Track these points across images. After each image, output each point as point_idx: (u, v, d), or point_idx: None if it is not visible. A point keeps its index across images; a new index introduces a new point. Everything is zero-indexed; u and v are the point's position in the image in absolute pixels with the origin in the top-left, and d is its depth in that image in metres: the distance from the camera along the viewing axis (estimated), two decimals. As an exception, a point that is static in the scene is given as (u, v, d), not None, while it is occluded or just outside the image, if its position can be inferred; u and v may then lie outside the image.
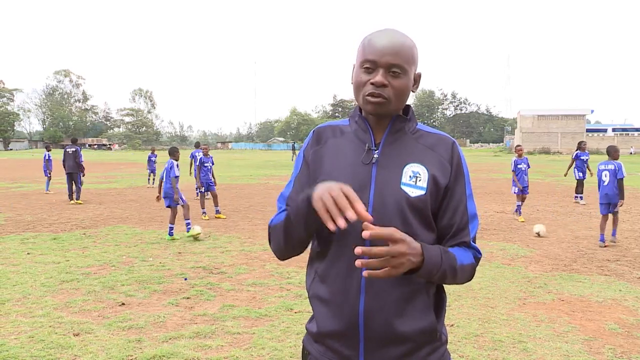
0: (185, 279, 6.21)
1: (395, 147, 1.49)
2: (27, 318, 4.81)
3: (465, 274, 1.47)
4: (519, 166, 11.31)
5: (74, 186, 14.28)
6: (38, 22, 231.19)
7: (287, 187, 1.58)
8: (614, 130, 78.28)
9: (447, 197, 1.49)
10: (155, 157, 19.90)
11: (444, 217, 1.50)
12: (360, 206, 1.23)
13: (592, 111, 76.82)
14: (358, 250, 1.23)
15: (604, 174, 8.29)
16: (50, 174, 16.87)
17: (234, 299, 5.45)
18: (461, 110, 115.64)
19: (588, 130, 74.35)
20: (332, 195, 1.24)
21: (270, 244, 1.55)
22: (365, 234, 1.22)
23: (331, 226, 1.22)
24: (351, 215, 1.20)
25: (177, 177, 8.93)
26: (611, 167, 8.23)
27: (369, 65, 1.43)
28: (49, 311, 4.99)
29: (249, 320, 4.80)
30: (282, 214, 1.49)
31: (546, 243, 8.58)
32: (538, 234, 9.20)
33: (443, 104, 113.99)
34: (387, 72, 1.41)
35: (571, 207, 13.49)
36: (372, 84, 1.42)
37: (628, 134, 72.79)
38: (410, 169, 1.46)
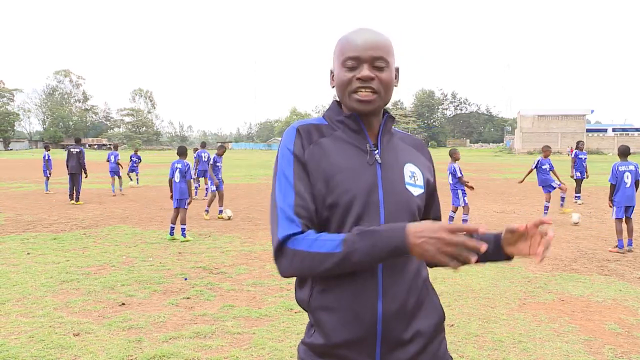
0: (186, 279, 6.21)
1: (390, 148, 1.51)
2: (27, 318, 4.80)
3: None
4: (543, 167, 11.48)
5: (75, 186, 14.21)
6: (38, 23, 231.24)
7: (286, 196, 1.39)
8: (614, 130, 78.25)
9: (431, 193, 1.59)
10: (139, 158, 19.73)
11: (431, 211, 1.62)
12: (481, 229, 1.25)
13: (592, 111, 76.86)
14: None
15: (625, 175, 7.88)
16: (49, 174, 16.80)
17: (234, 299, 5.45)
18: (461, 110, 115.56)
19: (588, 131, 74.31)
20: (454, 242, 1.20)
21: (284, 263, 1.36)
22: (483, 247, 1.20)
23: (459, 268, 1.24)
24: (484, 248, 1.20)
25: (192, 179, 9.06)
26: (632, 167, 7.90)
27: (351, 62, 1.41)
28: (49, 311, 4.99)
29: (249, 320, 4.80)
30: (321, 242, 1.31)
31: (546, 243, 8.57)
32: (576, 224, 10.10)
33: (443, 104, 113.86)
34: (372, 67, 1.41)
35: (571, 207, 13.48)
36: (358, 79, 1.40)
37: (628, 134, 72.79)
38: (409, 168, 1.49)
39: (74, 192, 14.16)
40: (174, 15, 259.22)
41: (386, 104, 1.48)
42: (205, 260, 7.26)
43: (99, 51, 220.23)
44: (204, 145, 15.83)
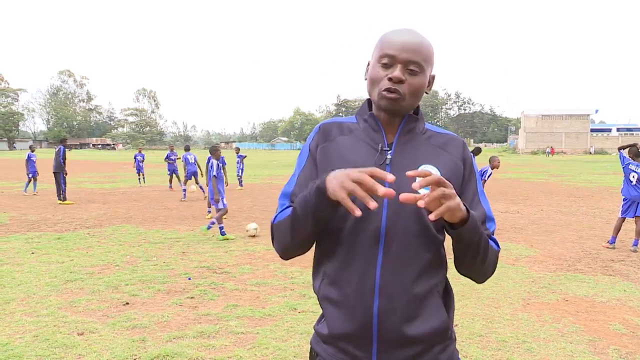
0: (189, 279, 6.22)
1: (408, 148, 1.47)
2: (32, 317, 4.82)
3: (492, 259, 1.46)
4: None
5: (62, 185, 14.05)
6: (42, 23, 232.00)
7: (290, 183, 1.53)
8: (618, 130, 77.98)
9: (462, 196, 1.47)
10: (142, 157, 20.87)
11: None
12: (388, 177, 1.20)
13: (597, 111, 76.63)
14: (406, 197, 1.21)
15: (632, 175, 7.92)
16: (36, 174, 16.40)
17: (238, 299, 5.45)
18: (465, 110, 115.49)
19: (592, 130, 74.10)
20: (355, 180, 1.20)
21: (273, 243, 1.50)
22: (416, 185, 1.19)
23: (358, 213, 1.19)
24: (382, 191, 1.17)
25: (214, 176, 8.92)
26: None
27: (387, 60, 1.41)
28: (53, 310, 5.00)
29: (253, 320, 4.81)
30: (286, 210, 1.45)
31: (550, 243, 8.55)
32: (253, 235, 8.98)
33: (447, 103, 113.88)
34: (405, 69, 1.40)
35: (575, 207, 13.44)
36: (389, 79, 1.40)
37: (632, 134, 72.52)
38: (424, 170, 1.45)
39: (59, 191, 13.95)
40: (178, 15, 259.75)
41: (411, 109, 1.46)
42: (208, 260, 7.27)
43: (103, 51, 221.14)
44: (187, 148, 16.08)
